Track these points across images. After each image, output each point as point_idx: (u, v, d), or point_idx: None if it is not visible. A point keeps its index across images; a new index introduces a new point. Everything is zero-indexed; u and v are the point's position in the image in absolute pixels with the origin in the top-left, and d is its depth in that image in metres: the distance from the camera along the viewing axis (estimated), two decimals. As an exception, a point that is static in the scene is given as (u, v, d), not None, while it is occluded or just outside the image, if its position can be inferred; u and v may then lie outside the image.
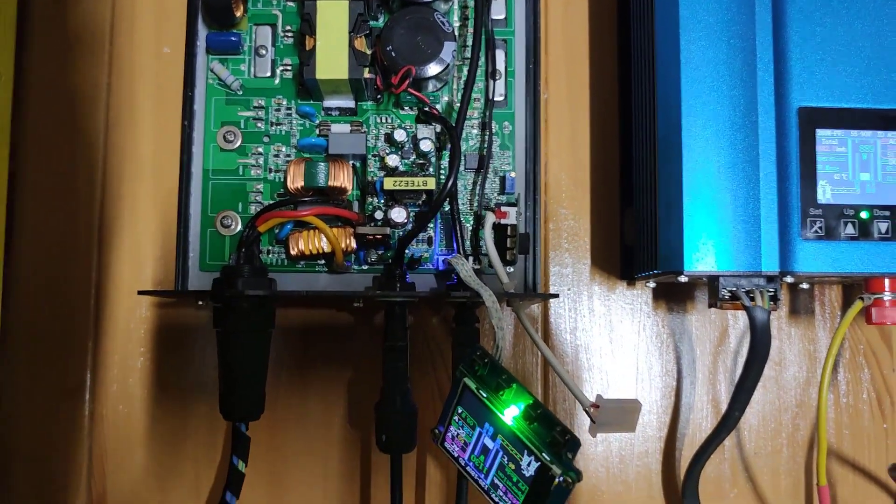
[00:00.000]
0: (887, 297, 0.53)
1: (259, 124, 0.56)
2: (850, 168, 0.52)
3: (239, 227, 0.55)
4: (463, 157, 0.55)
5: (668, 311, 0.62)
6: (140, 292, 0.52)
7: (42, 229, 0.59)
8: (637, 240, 0.58)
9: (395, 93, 0.53)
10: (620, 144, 0.62)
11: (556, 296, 0.53)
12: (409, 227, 0.54)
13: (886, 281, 0.53)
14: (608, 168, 0.62)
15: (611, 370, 0.61)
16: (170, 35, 0.61)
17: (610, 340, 0.61)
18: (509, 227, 0.53)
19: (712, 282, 0.53)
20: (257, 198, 0.56)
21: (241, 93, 0.56)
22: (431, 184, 0.53)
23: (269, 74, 0.57)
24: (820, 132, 0.52)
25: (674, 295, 0.62)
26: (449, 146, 0.54)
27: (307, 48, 0.53)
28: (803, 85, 0.52)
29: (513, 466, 0.44)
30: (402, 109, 0.56)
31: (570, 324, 0.61)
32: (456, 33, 0.55)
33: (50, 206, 0.59)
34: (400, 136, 0.54)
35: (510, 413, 0.44)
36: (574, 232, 0.62)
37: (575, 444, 0.42)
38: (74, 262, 0.59)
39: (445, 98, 0.57)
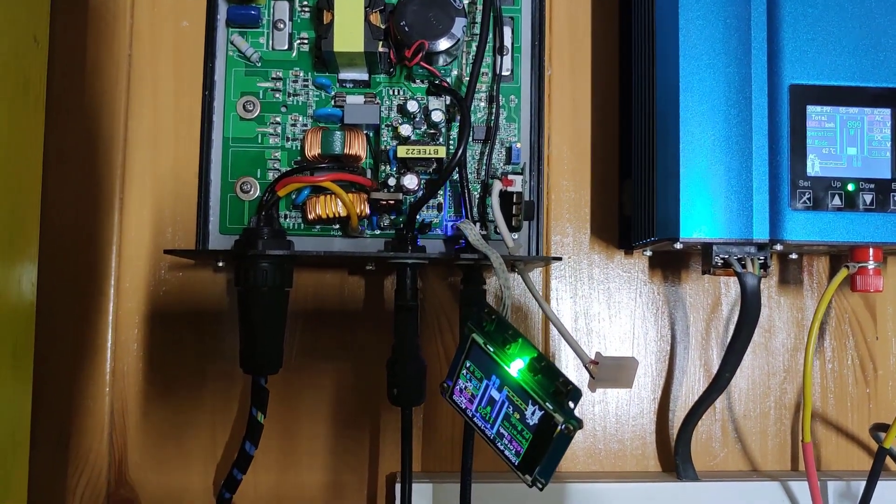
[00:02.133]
0: (871, 265, 0.56)
1: (277, 95, 0.59)
2: (838, 143, 0.55)
3: (258, 193, 0.58)
4: (471, 129, 0.58)
5: (663, 279, 0.65)
6: (166, 251, 0.55)
7: (66, 194, 0.61)
8: (635, 209, 0.60)
9: (409, 66, 0.56)
10: (620, 119, 0.65)
11: (559, 259, 0.56)
12: (421, 193, 0.57)
13: (870, 250, 0.56)
14: (608, 141, 0.65)
15: (608, 335, 0.64)
16: (188, 8, 0.63)
17: (608, 307, 0.64)
18: (515, 195, 0.55)
19: (706, 249, 0.55)
20: (275, 165, 0.58)
21: (259, 65, 0.59)
22: (442, 153, 0.56)
23: (286, 47, 0.59)
24: (810, 108, 0.55)
25: (669, 264, 0.65)
26: (459, 117, 0.57)
27: (325, 22, 0.55)
28: (795, 63, 0.55)
29: (518, 416, 0.46)
30: (414, 82, 0.59)
31: (570, 291, 0.64)
32: (466, 10, 0.57)
33: (73, 172, 0.61)
34: (412, 107, 0.57)
35: (516, 366, 0.46)
36: (575, 202, 0.64)
37: (577, 393, 0.44)
38: (97, 225, 0.61)
39: (455, 72, 0.59)
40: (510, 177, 0.55)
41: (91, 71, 0.62)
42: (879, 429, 0.60)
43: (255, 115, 0.59)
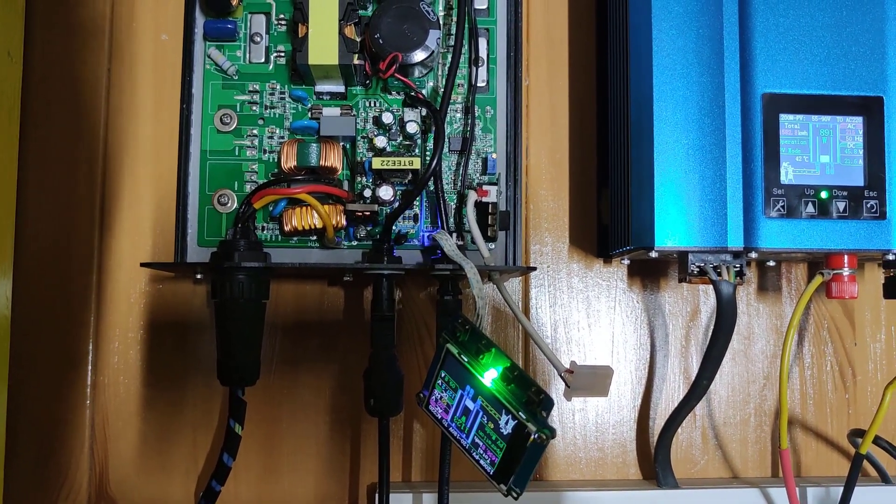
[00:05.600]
0: (846, 272, 0.56)
1: (254, 108, 0.59)
2: (811, 151, 0.55)
3: (235, 205, 0.58)
4: (447, 140, 0.58)
5: (642, 287, 0.65)
6: (143, 264, 0.55)
7: (46, 208, 0.62)
8: (612, 218, 0.61)
9: (383, 78, 0.56)
10: (597, 128, 0.65)
11: (534, 269, 0.56)
12: (396, 204, 0.57)
13: (845, 257, 0.56)
14: (586, 151, 0.65)
15: (588, 343, 0.65)
16: (167, 22, 0.63)
17: (587, 315, 0.65)
18: (490, 205, 0.56)
19: (682, 257, 0.56)
20: (252, 177, 0.59)
21: (236, 78, 0.59)
22: (417, 164, 0.56)
23: (263, 60, 0.59)
24: (783, 117, 0.55)
25: (647, 272, 0.65)
26: (434, 129, 0.57)
27: (300, 35, 0.55)
28: (767, 72, 0.55)
29: (492, 426, 0.46)
30: (390, 94, 0.59)
31: (549, 300, 0.64)
32: (441, 22, 0.57)
33: (53, 186, 0.62)
34: (387, 119, 0.57)
35: (489, 375, 0.46)
36: (553, 212, 0.65)
37: (549, 403, 0.44)
38: (77, 238, 0.62)
39: (430, 83, 0.60)
40: (485, 187, 0.56)
41: (70, 84, 0.62)
42: (857, 434, 0.60)
43: (233, 127, 0.59)
